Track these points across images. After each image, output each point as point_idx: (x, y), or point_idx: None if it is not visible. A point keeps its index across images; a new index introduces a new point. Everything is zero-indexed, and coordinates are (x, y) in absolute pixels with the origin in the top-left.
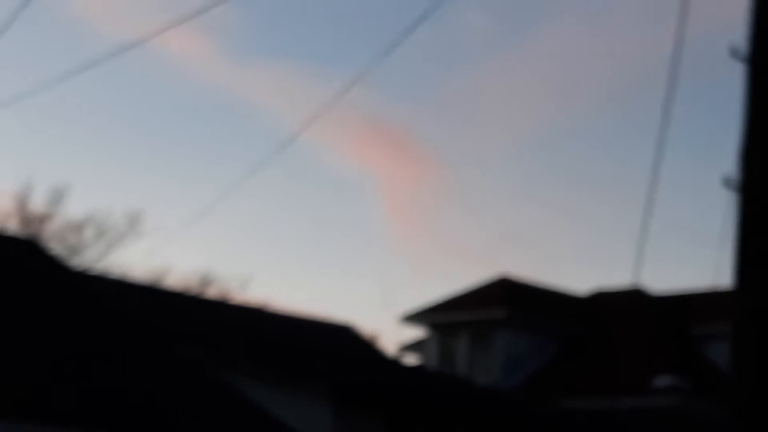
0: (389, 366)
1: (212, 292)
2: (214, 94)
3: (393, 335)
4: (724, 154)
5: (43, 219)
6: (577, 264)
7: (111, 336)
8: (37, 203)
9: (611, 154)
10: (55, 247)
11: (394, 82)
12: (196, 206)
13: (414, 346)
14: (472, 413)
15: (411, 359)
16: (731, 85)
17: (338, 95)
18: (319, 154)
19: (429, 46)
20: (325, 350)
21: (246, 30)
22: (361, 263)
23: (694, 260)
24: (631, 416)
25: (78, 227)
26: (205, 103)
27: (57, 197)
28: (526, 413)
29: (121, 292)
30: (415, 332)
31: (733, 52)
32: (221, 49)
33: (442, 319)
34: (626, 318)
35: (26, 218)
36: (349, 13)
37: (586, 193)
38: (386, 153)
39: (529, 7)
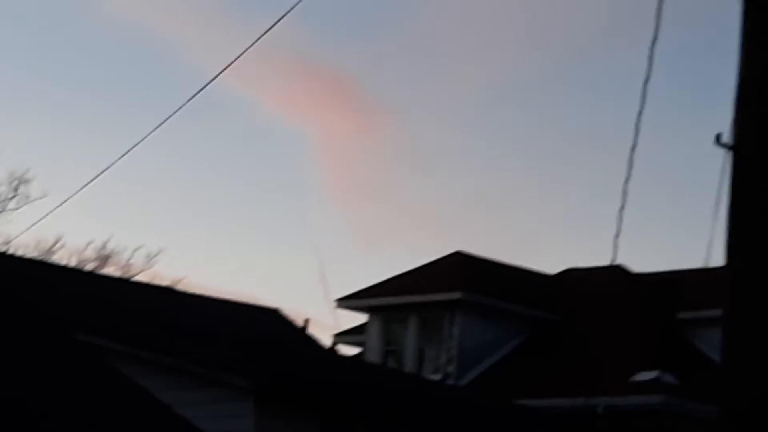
0: (323, 357)
1: (111, 269)
2: (121, 30)
3: (329, 320)
4: (716, 108)
5: None
6: (548, 238)
7: None
8: None
9: (588, 108)
10: None
11: (333, 18)
12: (95, 166)
13: (352, 333)
14: (419, 413)
15: (348, 349)
16: (722, 22)
17: (264, 33)
18: (240, 104)
19: None
20: (248, 338)
21: None
22: (294, 236)
23: (684, 235)
24: (609, 417)
25: None
26: (112, 41)
27: None
28: (485, 414)
29: (2, 268)
30: (354, 317)
31: None
32: None
33: (386, 301)
34: (603, 301)
35: None
36: None
37: (558, 154)
38: (323, 103)
39: None
